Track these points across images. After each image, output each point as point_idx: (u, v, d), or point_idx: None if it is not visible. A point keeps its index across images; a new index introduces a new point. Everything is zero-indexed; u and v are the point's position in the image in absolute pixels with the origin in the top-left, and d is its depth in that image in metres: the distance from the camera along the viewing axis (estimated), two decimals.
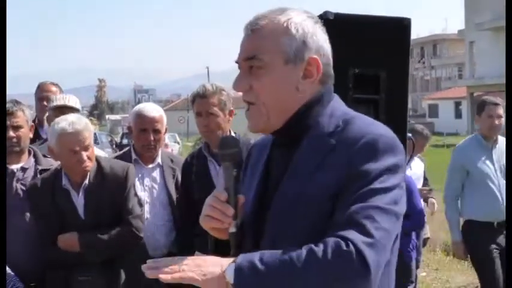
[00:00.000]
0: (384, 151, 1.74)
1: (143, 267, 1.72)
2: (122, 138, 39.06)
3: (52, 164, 3.96)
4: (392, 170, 1.74)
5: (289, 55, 1.85)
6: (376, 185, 1.70)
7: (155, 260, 1.76)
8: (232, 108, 3.94)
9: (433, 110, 61.28)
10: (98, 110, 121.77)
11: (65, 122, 3.65)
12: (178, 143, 39.55)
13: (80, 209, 3.70)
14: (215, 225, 1.93)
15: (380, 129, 1.81)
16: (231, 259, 1.68)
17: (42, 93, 5.65)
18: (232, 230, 1.91)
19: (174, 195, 4.19)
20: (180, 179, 4.20)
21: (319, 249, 1.61)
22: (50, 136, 3.76)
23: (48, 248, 3.68)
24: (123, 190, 3.75)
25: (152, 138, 4.17)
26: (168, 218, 4.19)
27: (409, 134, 5.75)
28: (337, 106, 1.93)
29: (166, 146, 16.80)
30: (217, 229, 1.95)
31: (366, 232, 1.62)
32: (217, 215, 1.90)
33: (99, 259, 3.66)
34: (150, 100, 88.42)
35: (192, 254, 4.10)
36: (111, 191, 3.72)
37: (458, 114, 55.81)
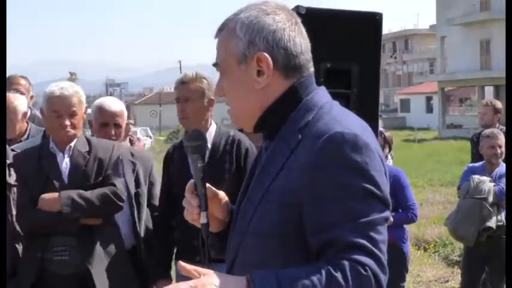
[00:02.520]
0: (348, 151, 1.69)
1: None
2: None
3: None
4: (360, 169, 1.69)
5: (239, 57, 1.86)
6: (352, 192, 1.67)
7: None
8: (212, 98, 3.93)
9: (405, 105, 61.67)
10: None
11: (55, 86, 3.75)
12: (150, 137, 39.41)
13: (64, 173, 3.71)
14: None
15: (345, 126, 1.74)
16: (244, 281, 1.61)
17: (11, 86, 5.59)
18: (203, 221, 1.91)
19: (133, 190, 4.17)
20: (140, 173, 4.23)
21: (338, 274, 1.59)
22: (42, 98, 3.88)
23: (27, 210, 3.64)
24: (109, 160, 3.77)
25: (113, 132, 4.18)
26: (128, 212, 4.14)
27: (382, 129, 5.79)
28: (317, 99, 1.87)
29: (138, 139, 16.75)
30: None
31: (373, 254, 1.63)
32: (186, 205, 1.95)
33: (80, 215, 3.61)
34: (122, 94, 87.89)
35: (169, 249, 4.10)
36: (97, 159, 3.75)
37: (429, 109, 56.27)
